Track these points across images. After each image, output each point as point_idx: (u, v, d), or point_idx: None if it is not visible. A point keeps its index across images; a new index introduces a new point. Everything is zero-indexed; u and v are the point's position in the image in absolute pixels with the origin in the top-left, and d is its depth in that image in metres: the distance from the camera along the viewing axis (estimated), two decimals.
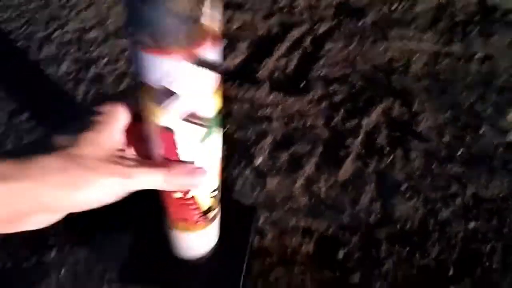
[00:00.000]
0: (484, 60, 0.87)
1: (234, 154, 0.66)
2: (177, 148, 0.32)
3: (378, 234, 0.58)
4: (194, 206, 0.38)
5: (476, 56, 0.88)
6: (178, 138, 0.31)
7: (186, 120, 0.31)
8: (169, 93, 0.28)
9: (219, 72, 0.29)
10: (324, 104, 0.75)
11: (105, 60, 0.75)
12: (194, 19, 0.25)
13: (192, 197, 0.37)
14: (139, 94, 0.30)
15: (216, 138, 0.34)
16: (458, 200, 0.63)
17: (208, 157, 0.34)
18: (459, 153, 0.70)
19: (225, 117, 0.71)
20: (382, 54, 0.86)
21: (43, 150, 0.29)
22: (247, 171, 0.64)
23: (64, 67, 0.74)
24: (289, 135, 0.70)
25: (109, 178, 0.30)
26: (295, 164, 0.66)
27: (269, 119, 0.72)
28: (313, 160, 0.66)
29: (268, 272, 0.54)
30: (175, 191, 0.36)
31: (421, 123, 0.74)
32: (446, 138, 0.72)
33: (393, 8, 0.96)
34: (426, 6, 0.98)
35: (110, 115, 0.32)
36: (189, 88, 0.29)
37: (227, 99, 0.74)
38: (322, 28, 0.89)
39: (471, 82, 0.82)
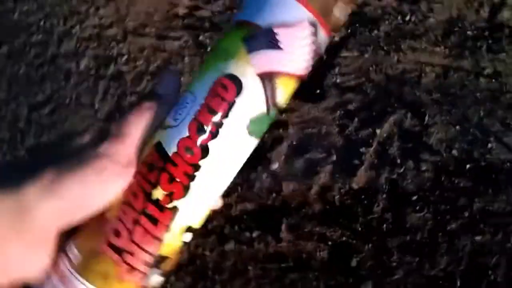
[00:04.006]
0: (492, 76, 0.89)
1: (251, 158, 0.68)
2: (228, 101, 0.27)
3: (390, 243, 0.60)
4: (161, 232, 0.26)
5: (485, 72, 0.90)
6: (244, 92, 0.27)
7: (260, 76, 0.27)
8: (273, 42, 0.26)
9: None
10: (339, 112, 0.77)
11: (125, 58, 0.76)
12: None
13: (174, 209, 0.26)
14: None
15: (252, 143, 0.28)
16: (466, 213, 0.66)
17: (238, 152, 0.29)
18: (467, 167, 0.72)
19: None
20: (395, 65, 0.88)
21: (60, 152, 0.27)
22: (264, 175, 0.66)
23: (84, 63, 0.75)
24: (304, 141, 0.71)
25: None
26: (310, 170, 0.67)
27: (285, 124, 0.73)
28: (328, 168, 0.68)
29: (284, 275, 0.56)
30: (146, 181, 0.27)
31: (432, 136, 0.76)
32: (455, 152, 0.75)
33: (406, 19, 0.97)
34: (438, 19, 1.00)
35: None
36: (294, 48, 0.27)
37: None
38: (337, 37, 0.90)
39: (480, 98, 0.84)
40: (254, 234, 0.58)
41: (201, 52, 0.81)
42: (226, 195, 0.61)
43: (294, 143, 0.71)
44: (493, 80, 0.88)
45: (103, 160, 0.26)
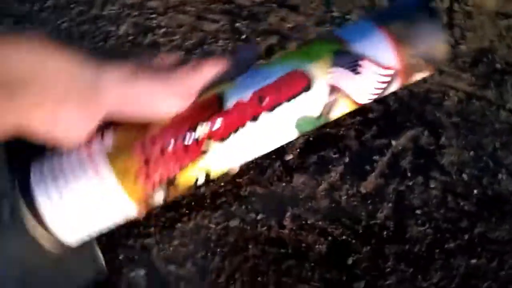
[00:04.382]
0: None
1: None
2: (294, 92, 0.31)
3: (388, 250, 0.62)
4: (187, 162, 0.30)
5: (507, 106, 0.91)
6: (310, 91, 0.31)
7: (329, 87, 0.31)
8: (356, 68, 0.30)
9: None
10: (358, 118, 0.78)
11: (163, 30, 0.78)
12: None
13: (206, 150, 0.30)
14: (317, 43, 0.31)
15: (293, 134, 0.33)
16: (466, 236, 0.67)
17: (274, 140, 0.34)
18: (474, 192, 0.74)
19: None
20: (421, 84, 0.89)
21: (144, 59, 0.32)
22: (277, 164, 0.67)
23: (123, 28, 0.77)
24: (321, 139, 0.73)
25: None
26: (322, 168, 0.69)
27: None
28: (339, 168, 0.70)
29: (281, 260, 0.57)
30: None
31: (445, 157, 0.78)
32: (465, 176, 0.76)
33: None
34: (469, 47, 1.01)
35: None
36: (370, 83, 0.31)
37: None
38: None
39: (498, 129, 0.85)
40: (259, 217, 0.60)
41: (235, 38, 0.83)
42: (238, 175, 0.64)
43: (311, 139, 0.72)
44: None
45: (174, 79, 0.30)
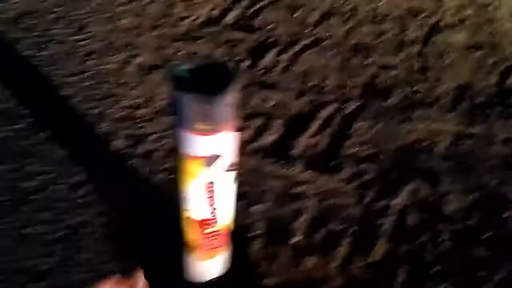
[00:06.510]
0: (505, 142, 0.92)
1: (272, 231, 0.71)
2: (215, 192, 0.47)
3: None
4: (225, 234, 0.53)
5: (497, 138, 0.92)
6: (219, 185, 0.47)
7: (227, 170, 0.45)
8: (216, 157, 0.44)
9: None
10: (355, 183, 0.80)
11: (154, 137, 0.82)
12: (236, 106, 0.43)
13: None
14: (184, 166, 0.45)
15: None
16: (488, 286, 0.66)
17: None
18: (485, 236, 0.73)
19: (263, 193, 0.76)
20: (407, 135, 0.91)
21: None
22: (285, 249, 0.68)
23: (118, 143, 0.81)
24: (323, 213, 0.74)
25: None
26: (330, 243, 0.69)
27: (304, 196, 0.76)
28: (347, 240, 0.70)
29: None
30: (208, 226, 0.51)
31: (448, 205, 0.78)
32: (473, 221, 0.76)
33: (415, 88, 1.02)
34: (447, 87, 1.04)
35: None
36: (229, 148, 0.44)
37: (264, 176, 0.79)
38: (350, 108, 0.95)
39: (493, 164, 0.86)
40: None
41: None
42: (250, 269, 0.64)
43: (314, 215, 0.73)
44: (506, 146, 0.91)
45: None
